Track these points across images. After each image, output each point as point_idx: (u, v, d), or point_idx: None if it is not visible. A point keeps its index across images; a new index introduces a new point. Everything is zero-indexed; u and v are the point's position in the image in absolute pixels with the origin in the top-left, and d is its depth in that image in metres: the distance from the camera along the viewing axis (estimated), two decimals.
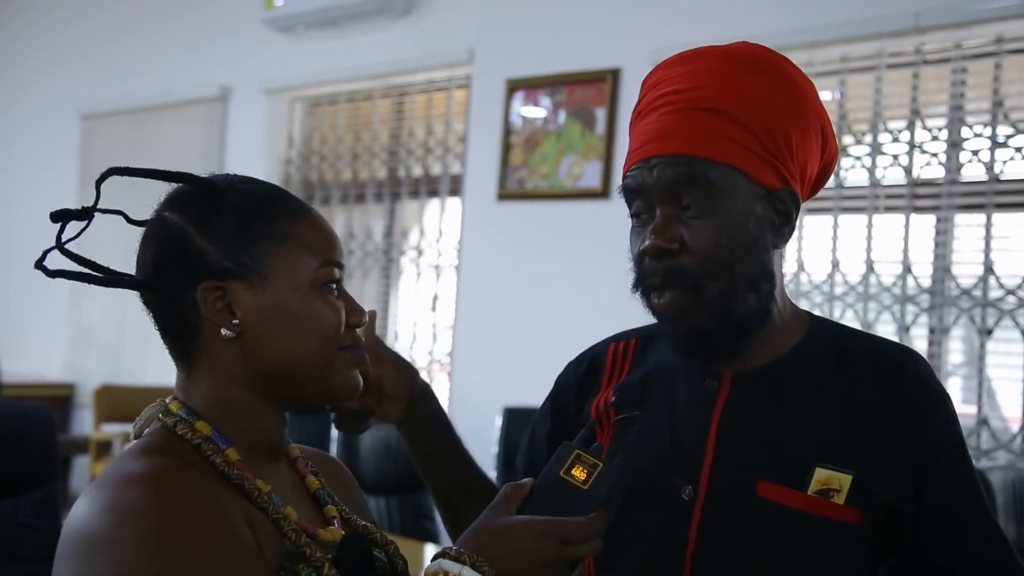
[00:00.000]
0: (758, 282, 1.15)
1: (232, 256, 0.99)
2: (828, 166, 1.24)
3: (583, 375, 1.32)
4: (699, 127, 1.13)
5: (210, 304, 0.99)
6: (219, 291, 0.99)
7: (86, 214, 1.00)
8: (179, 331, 1.02)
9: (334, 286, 1.04)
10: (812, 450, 1.13)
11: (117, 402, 4.88)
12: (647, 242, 1.14)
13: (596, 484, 1.03)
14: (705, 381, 1.20)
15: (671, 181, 1.12)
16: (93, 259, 1.04)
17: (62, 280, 1.01)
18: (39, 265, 0.99)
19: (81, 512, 0.90)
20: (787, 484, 1.12)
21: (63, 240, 0.99)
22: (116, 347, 5.57)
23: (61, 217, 1.00)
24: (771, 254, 1.17)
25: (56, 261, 0.99)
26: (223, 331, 0.99)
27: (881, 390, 1.15)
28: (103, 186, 1.01)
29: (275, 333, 1.00)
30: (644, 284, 1.16)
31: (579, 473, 1.03)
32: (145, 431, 1.03)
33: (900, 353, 1.20)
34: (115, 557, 0.86)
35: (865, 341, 1.22)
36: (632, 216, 1.19)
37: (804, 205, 1.23)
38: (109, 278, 1.01)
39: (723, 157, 1.12)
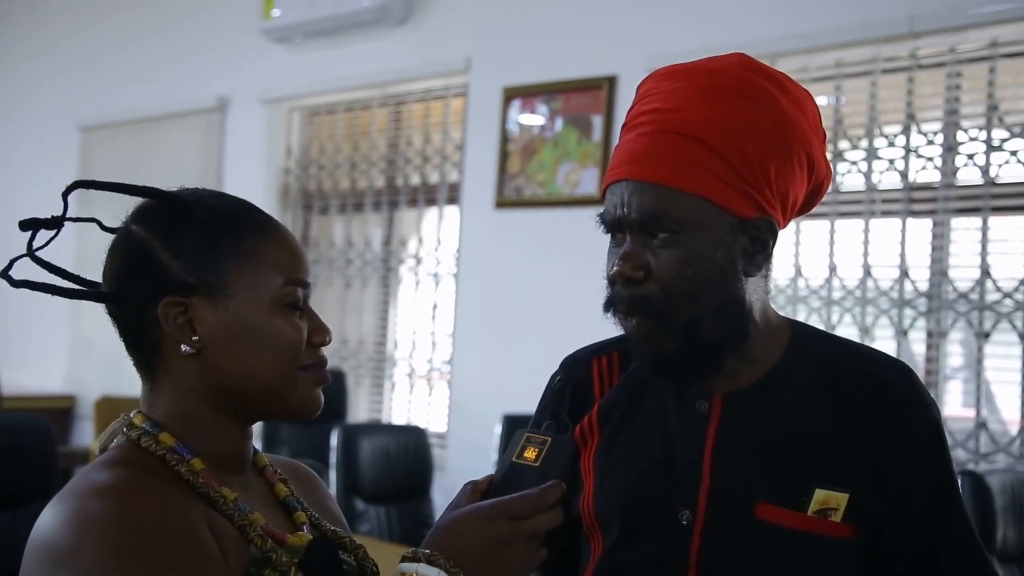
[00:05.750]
0: (726, 310, 1.15)
1: (195, 272, 0.99)
2: (819, 188, 1.22)
3: (571, 403, 1.28)
4: (673, 154, 1.12)
5: (171, 319, 0.99)
6: (181, 307, 0.99)
7: (55, 223, 1.01)
8: (142, 344, 1.03)
9: (298, 305, 1.03)
10: (809, 470, 1.14)
11: (117, 413, 4.84)
12: (615, 268, 1.14)
13: (546, 459, 1.03)
14: (696, 403, 1.19)
15: (640, 210, 1.12)
16: (84, 271, 1.05)
17: None
18: (3, 275, 1.00)
19: (45, 524, 0.91)
20: (787, 505, 1.13)
21: (33, 248, 1.00)
22: (116, 359, 5.54)
23: (31, 226, 1.01)
24: (742, 282, 1.16)
25: (32, 271, 1.00)
26: (183, 347, 1.00)
27: (865, 407, 1.15)
28: (99, 194, 1.03)
29: (235, 351, 1.00)
30: (613, 308, 1.17)
31: (530, 454, 1.04)
32: (110, 445, 1.03)
33: (883, 366, 1.19)
34: (77, 567, 0.87)
35: (847, 352, 1.21)
36: (607, 234, 1.19)
37: None
38: (72, 290, 1.02)
39: (694, 188, 1.11)
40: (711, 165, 1.12)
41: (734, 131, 1.12)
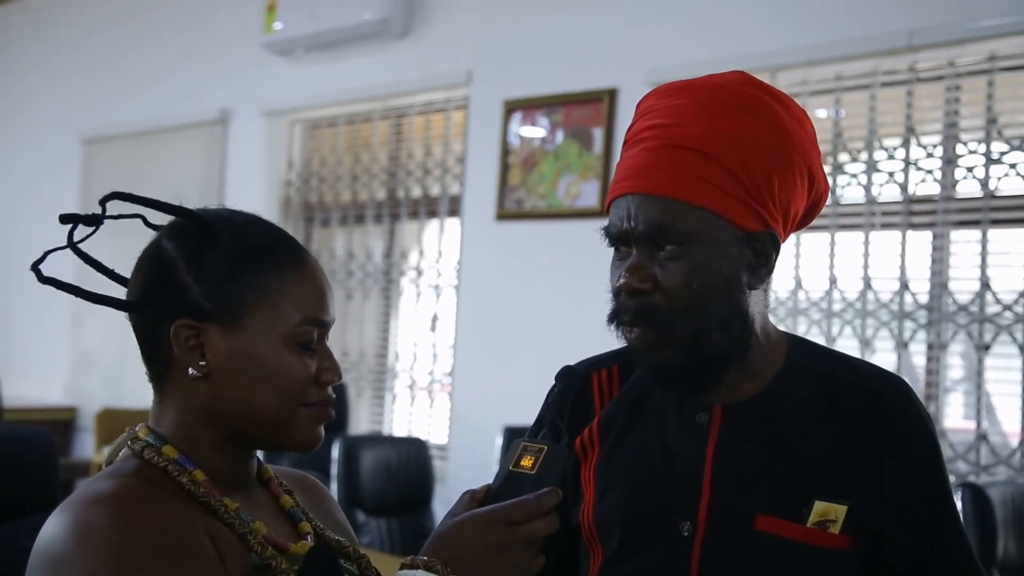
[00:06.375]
0: (730, 323, 1.16)
1: (213, 298, 1.00)
2: (817, 203, 1.24)
3: (571, 415, 1.28)
4: (679, 167, 1.13)
5: (182, 341, 1.00)
6: (194, 330, 1.00)
7: (95, 220, 1.02)
8: (154, 358, 1.03)
9: (312, 344, 1.04)
10: (808, 482, 1.15)
11: (119, 425, 4.83)
12: (622, 280, 1.15)
13: (542, 467, 1.04)
14: (696, 415, 1.20)
15: (647, 222, 1.13)
16: (86, 277, 1.06)
17: (63, 302, 1.03)
18: (35, 267, 1.02)
19: (48, 532, 0.93)
20: (786, 517, 1.14)
21: (74, 241, 1.01)
22: (118, 370, 5.58)
23: (71, 220, 1.02)
24: (746, 295, 1.17)
25: (49, 273, 1.01)
26: (190, 370, 1.01)
27: (862, 420, 1.17)
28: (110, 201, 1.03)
29: (239, 381, 1.01)
30: (618, 319, 1.18)
31: (527, 462, 1.05)
32: (117, 458, 1.04)
33: (879, 380, 1.21)
34: (76, 574, 0.88)
35: (843, 366, 1.23)
36: (611, 247, 1.20)
37: None
38: (96, 295, 1.03)
39: (700, 200, 1.13)
40: (716, 178, 1.13)
41: (738, 145, 1.13)
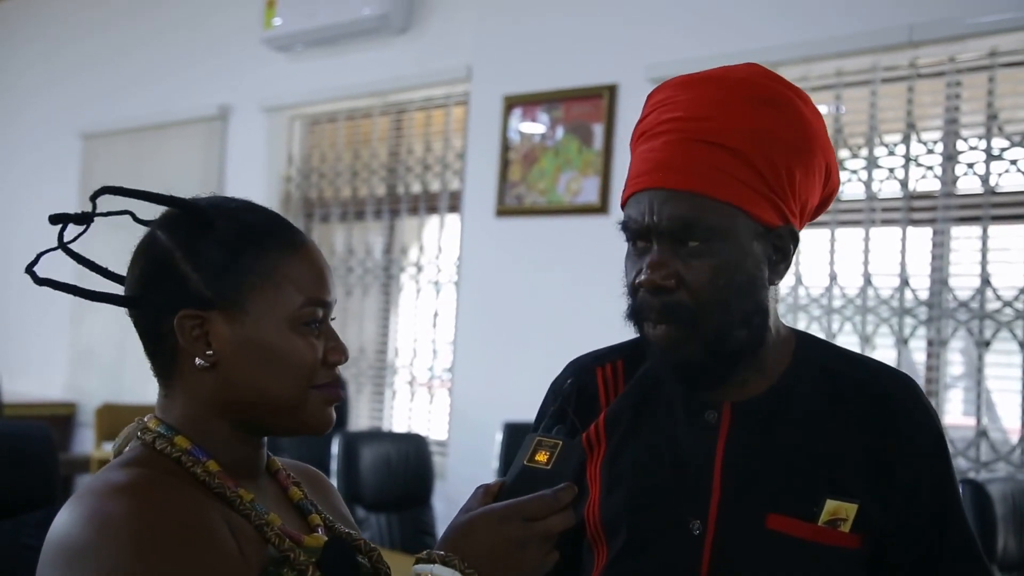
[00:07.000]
0: (751, 318, 1.15)
1: (214, 287, 0.99)
2: (828, 197, 1.23)
3: (576, 408, 1.25)
4: (703, 162, 1.12)
5: (187, 332, 0.99)
6: (197, 320, 0.99)
7: (86, 218, 1.01)
8: (159, 351, 1.03)
9: (317, 324, 1.03)
10: (819, 481, 1.14)
11: (118, 421, 4.89)
12: (643, 276, 1.13)
13: (558, 462, 1.04)
14: (705, 413, 1.19)
15: (672, 218, 1.12)
16: (85, 276, 1.05)
17: (63, 298, 1.02)
18: (29, 270, 1.01)
19: (63, 522, 0.92)
20: (797, 516, 1.13)
21: (64, 242, 1.00)
22: (117, 366, 5.58)
23: (60, 220, 1.01)
24: (767, 290, 1.17)
25: (48, 271, 1.00)
26: (197, 360, 1.00)
27: (869, 418, 1.16)
28: (107, 196, 1.02)
29: (248, 368, 1.00)
30: (639, 316, 1.16)
31: (542, 457, 1.05)
32: (125, 449, 1.03)
33: (886, 377, 1.20)
34: (95, 565, 0.87)
35: (850, 363, 1.22)
36: (629, 242, 1.18)
37: None
38: (94, 292, 1.02)
39: (725, 196, 1.11)
40: (740, 173, 1.12)
41: (763, 139, 1.13)
